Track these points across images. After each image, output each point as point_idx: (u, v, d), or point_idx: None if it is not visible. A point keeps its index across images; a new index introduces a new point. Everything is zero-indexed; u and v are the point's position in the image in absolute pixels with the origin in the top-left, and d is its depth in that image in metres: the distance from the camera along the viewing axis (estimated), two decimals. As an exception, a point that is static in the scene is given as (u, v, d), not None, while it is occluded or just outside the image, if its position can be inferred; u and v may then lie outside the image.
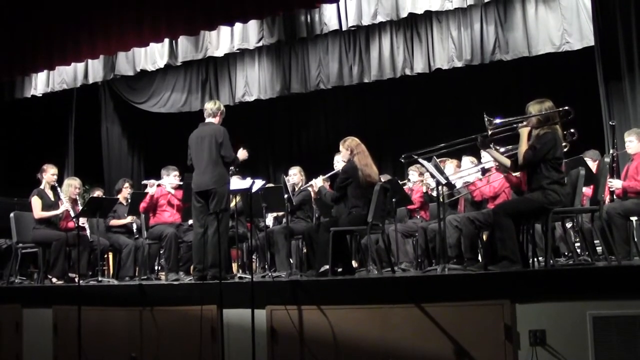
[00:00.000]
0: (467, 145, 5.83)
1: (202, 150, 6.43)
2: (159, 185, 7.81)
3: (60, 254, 7.48)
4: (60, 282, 7.37)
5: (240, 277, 6.83)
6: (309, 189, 7.27)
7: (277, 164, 12.35)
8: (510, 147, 5.51)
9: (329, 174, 7.28)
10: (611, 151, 6.74)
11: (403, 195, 7.38)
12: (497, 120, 5.21)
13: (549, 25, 9.06)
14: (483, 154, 6.75)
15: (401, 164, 10.64)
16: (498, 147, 5.86)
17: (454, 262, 6.22)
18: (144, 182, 8.01)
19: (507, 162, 5.39)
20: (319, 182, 7.05)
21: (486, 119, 5.18)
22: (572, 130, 5.31)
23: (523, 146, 5.15)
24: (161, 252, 7.82)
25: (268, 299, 5.49)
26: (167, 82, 11.48)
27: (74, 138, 11.20)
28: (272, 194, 7.34)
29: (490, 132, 5.22)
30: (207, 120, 6.61)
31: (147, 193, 7.77)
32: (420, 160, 6.08)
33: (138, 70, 10.04)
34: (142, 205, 7.77)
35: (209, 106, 6.66)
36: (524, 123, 5.20)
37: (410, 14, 8.93)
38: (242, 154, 6.69)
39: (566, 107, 5.14)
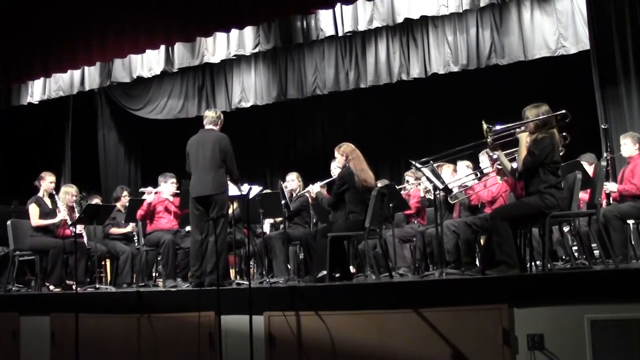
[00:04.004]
0: (470, 149, 5.82)
1: (204, 155, 6.38)
2: (156, 193, 7.80)
3: (58, 262, 7.46)
4: (57, 290, 7.35)
5: (238, 284, 6.82)
6: (306, 194, 7.27)
7: (274, 170, 12.34)
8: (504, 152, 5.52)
9: (326, 181, 7.27)
10: (605, 154, 6.75)
11: (400, 201, 7.38)
12: (497, 127, 5.20)
13: (544, 30, 9.09)
14: (482, 158, 6.75)
15: (399, 168, 10.76)
16: (493, 153, 5.86)
17: (451, 266, 6.22)
18: (142, 189, 8.01)
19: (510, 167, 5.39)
20: (315, 188, 7.05)
21: (485, 127, 5.15)
22: (564, 134, 5.30)
23: (522, 151, 5.15)
24: (159, 258, 7.81)
25: (266, 305, 5.47)
26: (163, 89, 11.49)
27: (70, 145, 11.16)
28: (269, 200, 7.33)
29: (490, 140, 5.21)
30: (208, 127, 6.58)
31: (144, 200, 7.76)
32: (417, 165, 6.07)
33: (134, 76, 10.02)
34: (140, 212, 7.74)
35: (211, 114, 6.64)
36: (522, 128, 5.20)
37: (406, 19, 8.94)
38: None
39: (563, 111, 5.14)
